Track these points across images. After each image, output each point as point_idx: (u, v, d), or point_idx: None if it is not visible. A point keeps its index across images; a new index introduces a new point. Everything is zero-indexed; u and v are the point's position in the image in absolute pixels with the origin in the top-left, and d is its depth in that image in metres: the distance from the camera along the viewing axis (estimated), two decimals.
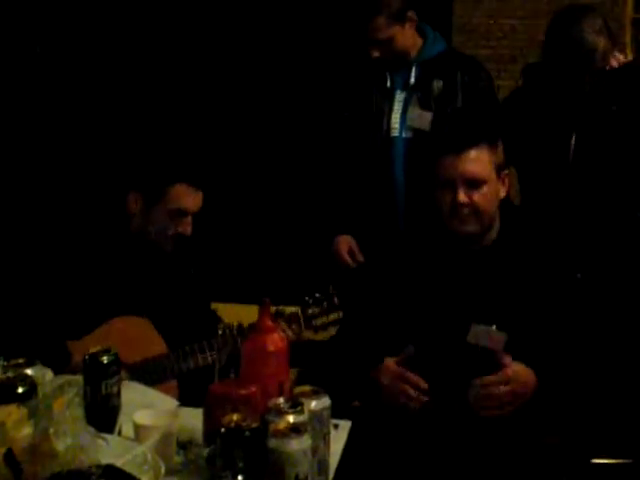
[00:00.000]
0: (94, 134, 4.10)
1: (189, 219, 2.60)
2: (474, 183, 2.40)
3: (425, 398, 2.34)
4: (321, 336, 2.59)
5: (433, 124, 3.11)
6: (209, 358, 2.46)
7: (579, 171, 2.91)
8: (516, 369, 2.29)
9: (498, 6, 4.07)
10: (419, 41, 3.20)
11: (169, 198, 2.57)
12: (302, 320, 2.53)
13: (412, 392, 2.34)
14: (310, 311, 2.54)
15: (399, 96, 3.19)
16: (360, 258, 3.21)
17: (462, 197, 2.39)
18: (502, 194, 2.47)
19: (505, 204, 2.52)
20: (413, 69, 3.17)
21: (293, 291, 2.64)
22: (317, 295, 2.54)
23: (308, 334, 2.55)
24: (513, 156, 2.81)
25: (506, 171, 2.49)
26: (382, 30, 3.07)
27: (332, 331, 2.58)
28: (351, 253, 3.24)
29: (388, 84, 3.19)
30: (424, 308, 2.43)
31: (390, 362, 2.37)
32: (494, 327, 2.36)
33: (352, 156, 3.23)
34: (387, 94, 3.20)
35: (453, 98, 3.14)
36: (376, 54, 3.11)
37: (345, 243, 3.25)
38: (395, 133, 3.19)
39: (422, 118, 3.14)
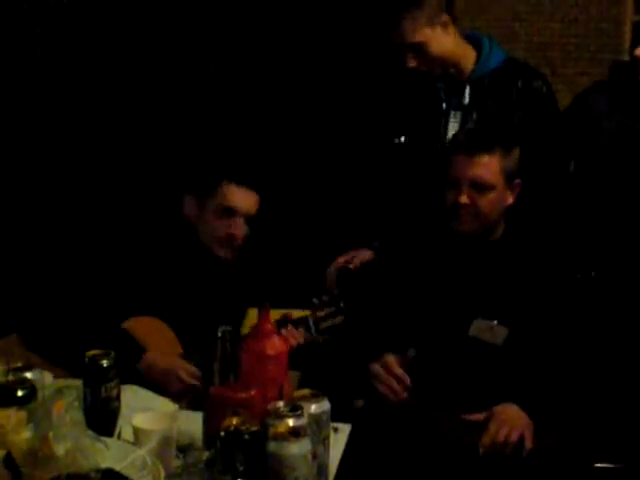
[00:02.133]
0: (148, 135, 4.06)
1: (240, 220, 2.56)
2: (480, 187, 2.42)
3: (405, 395, 2.36)
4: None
5: None
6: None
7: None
8: (497, 415, 2.29)
9: None
10: (471, 53, 2.91)
11: (218, 196, 2.55)
12: (312, 323, 2.50)
13: (394, 385, 2.36)
14: (318, 314, 2.52)
15: (454, 117, 2.94)
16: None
17: (464, 199, 2.41)
18: (509, 201, 2.49)
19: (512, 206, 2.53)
20: (467, 88, 2.90)
21: (293, 295, 2.63)
22: (324, 298, 2.53)
23: (319, 337, 2.54)
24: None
25: (517, 180, 2.49)
26: (409, 34, 2.82)
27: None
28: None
29: (444, 106, 2.95)
30: (427, 302, 2.46)
31: (389, 357, 2.39)
32: (495, 322, 2.38)
33: (408, 179, 3.01)
34: (442, 115, 2.96)
35: (510, 114, 2.87)
36: (412, 63, 2.86)
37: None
38: None
39: None
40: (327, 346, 2.58)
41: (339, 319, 2.52)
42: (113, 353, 1.93)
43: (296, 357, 2.09)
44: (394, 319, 2.48)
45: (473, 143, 2.47)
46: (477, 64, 2.90)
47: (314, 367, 2.60)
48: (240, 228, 2.56)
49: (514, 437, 2.25)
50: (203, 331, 2.50)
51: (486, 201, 2.42)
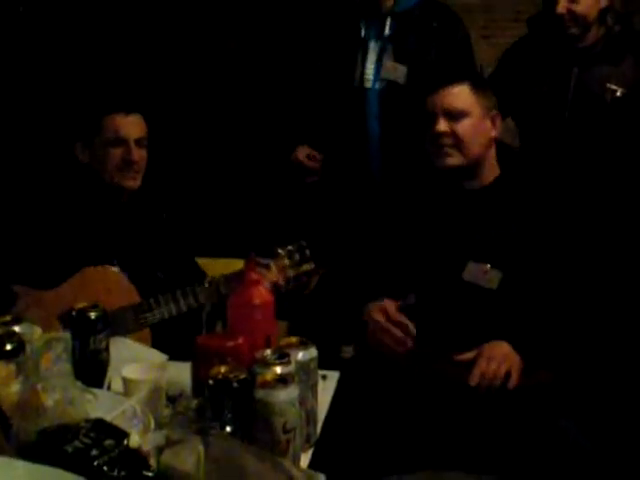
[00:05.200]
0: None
1: (132, 146, 2.60)
2: (454, 115, 2.44)
3: (410, 343, 2.37)
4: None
5: (408, 77, 3.06)
6: (189, 303, 2.46)
7: (576, 118, 2.92)
8: (486, 351, 2.31)
9: None
10: None
11: (102, 132, 2.61)
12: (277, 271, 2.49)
13: (399, 334, 2.37)
14: (283, 262, 2.51)
15: (373, 47, 3.10)
16: (319, 158, 3.21)
17: (442, 125, 2.44)
18: (492, 133, 2.51)
19: (504, 149, 2.55)
20: (388, 20, 3.07)
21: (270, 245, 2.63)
22: (289, 247, 2.54)
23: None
24: (512, 104, 2.83)
25: (494, 112, 2.50)
26: None
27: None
28: (310, 157, 3.23)
29: (362, 34, 3.10)
30: (422, 246, 2.48)
31: (389, 303, 2.40)
32: (489, 266, 2.39)
33: (324, 106, 3.16)
34: (360, 44, 3.11)
35: (427, 52, 3.06)
36: None
37: (302, 150, 3.23)
38: (368, 85, 3.11)
39: (397, 70, 3.08)
40: (316, 293, 2.59)
41: (306, 267, 2.52)
42: (101, 305, 1.95)
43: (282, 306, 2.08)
44: (388, 263, 2.50)
45: (441, 75, 2.55)
46: None
47: (302, 317, 2.61)
48: (135, 153, 2.61)
49: (501, 371, 2.28)
50: (151, 275, 2.55)
51: (463, 128, 2.44)
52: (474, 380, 2.26)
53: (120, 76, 3.37)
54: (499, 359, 2.29)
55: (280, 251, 2.53)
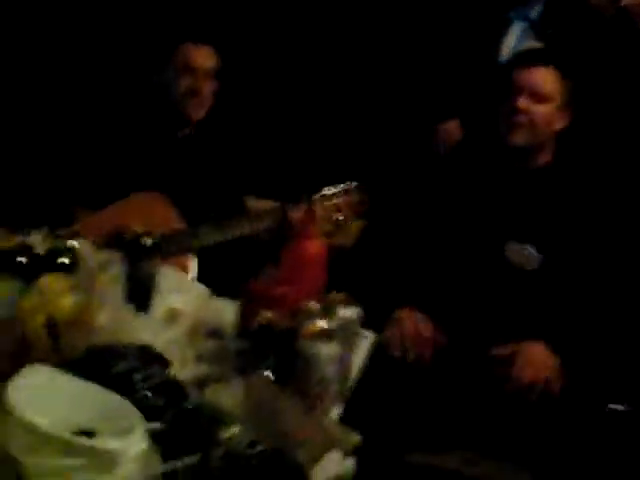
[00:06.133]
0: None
1: (200, 76, 2.67)
2: (538, 96, 2.44)
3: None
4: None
5: None
6: (245, 229, 2.49)
7: None
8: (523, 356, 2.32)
9: None
10: None
11: (176, 58, 2.69)
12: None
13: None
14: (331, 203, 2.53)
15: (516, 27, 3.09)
16: None
17: (522, 102, 2.44)
18: (560, 125, 2.50)
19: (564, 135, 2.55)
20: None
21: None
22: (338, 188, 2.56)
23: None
24: None
25: (570, 108, 2.50)
26: None
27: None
28: None
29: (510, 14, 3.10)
30: (464, 222, 2.48)
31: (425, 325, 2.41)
32: (530, 247, 2.40)
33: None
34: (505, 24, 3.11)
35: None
36: None
37: None
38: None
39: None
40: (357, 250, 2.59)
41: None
42: (155, 233, 1.98)
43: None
44: (430, 234, 2.51)
45: (536, 56, 2.57)
46: None
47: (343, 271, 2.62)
48: (201, 83, 2.67)
49: (540, 382, 2.29)
50: (202, 205, 2.57)
51: (541, 112, 2.45)
52: (510, 391, 2.28)
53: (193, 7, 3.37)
54: (536, 367, 2.30)
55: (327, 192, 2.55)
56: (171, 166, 2.66)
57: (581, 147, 2.72)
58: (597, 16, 2.92)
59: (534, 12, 3.09)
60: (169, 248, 2.38)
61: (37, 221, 1.85)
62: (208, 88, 2.70)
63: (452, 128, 3.13)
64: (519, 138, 2.45)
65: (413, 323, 2.41)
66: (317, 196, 2.52)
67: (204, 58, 2.70)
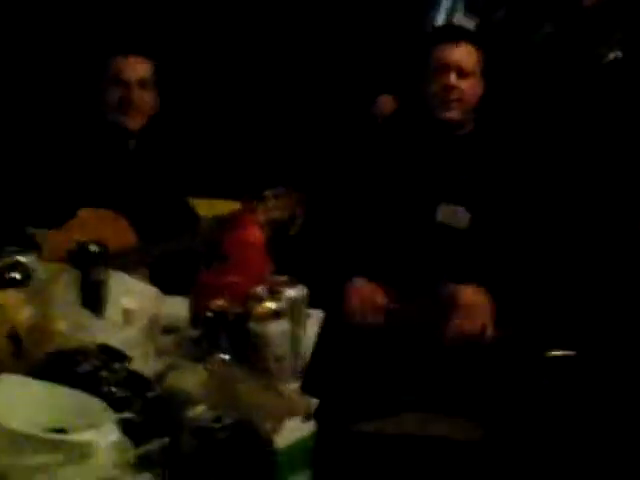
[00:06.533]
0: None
1: (131, 87, 2.67)
2: (463, 72, 2.59)
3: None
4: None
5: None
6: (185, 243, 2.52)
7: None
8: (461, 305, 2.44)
9: None
10: None
11: (106, 71, 2.69)
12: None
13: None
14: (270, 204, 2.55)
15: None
16: None
17: (453, 80, 2.57)
18: (480, 91, 2.66)
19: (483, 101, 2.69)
20: None
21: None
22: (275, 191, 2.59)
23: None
24: None
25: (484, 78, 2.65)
26: None
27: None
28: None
29: None
30: (399, 188, 2.60)
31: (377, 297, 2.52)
32: (460, 208, 2.53)
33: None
34: None
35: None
36: None
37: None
38: None
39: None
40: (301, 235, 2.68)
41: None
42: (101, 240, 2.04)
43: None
44: (364, 199, 2.63)
45: (458, 33, 2.74)
46: None
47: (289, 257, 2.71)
48: (134, 93, 2.67)
49: (477, 328, 2.42)
50: (149, 218, 2.61)
51: (468, 85, 2.61)
52: (449, 338, 2.40)
53: (125, 18, 3.40)
54: (473, 314, 2.43)
55: (268, 193, 2.62)
56: (119, 179, 2.67)
57: (497, 113, 2.85)
58: None
59: None
60: (122, 264, 2.45)
61: None
62: (143, 98, 2.70)
63: (388, 100, 3.21)
64: (454, 113, 2.62)
65: (368, 291, 2.51)
66: (258, 198, 2.58)
67: (133, 69, 2.70)
